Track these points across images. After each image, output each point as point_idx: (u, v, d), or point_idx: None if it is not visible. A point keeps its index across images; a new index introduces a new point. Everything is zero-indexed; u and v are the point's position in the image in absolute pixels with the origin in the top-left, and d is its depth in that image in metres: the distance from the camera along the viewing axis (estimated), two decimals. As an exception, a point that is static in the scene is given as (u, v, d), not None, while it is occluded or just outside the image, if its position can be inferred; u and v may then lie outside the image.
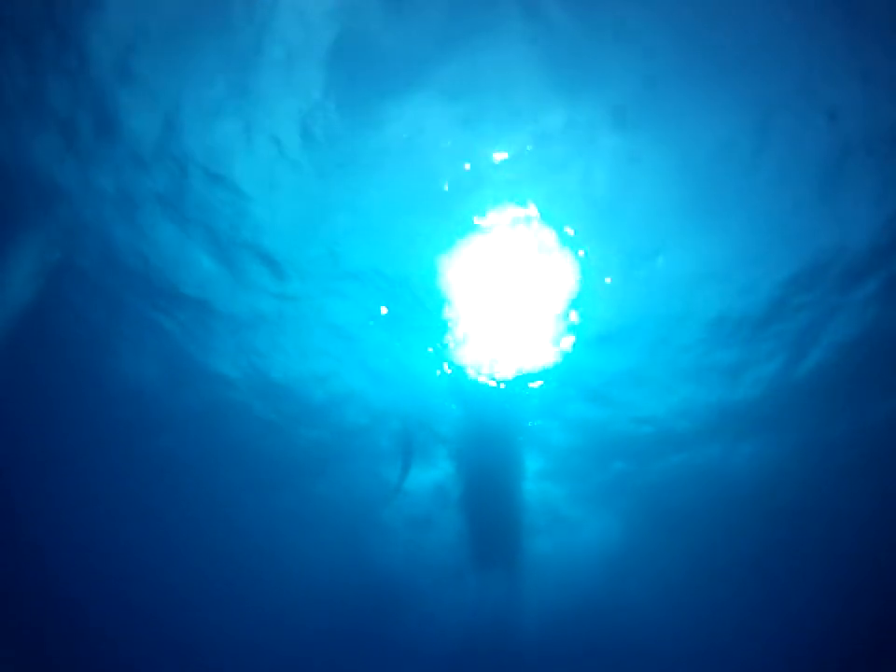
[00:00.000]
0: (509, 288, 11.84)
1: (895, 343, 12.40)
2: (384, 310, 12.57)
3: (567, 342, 12.65)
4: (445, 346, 12.95)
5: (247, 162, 10.55)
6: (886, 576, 18.52)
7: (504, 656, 22.20)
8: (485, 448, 14.50)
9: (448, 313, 12.34)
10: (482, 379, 13.38)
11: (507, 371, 13.23)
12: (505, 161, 10.03)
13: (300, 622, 22.70)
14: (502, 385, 13.39)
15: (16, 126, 10.43)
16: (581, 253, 11.09)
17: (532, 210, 10.58)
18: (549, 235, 10.91)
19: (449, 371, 13.47)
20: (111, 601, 20.88)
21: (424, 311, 12.43)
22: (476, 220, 10.77)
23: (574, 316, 12.17)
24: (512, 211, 10.63)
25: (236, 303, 12.91)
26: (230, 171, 10.64)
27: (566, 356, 12.96)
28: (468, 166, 10.14)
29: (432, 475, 16.47)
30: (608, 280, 11.47)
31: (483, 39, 9.02)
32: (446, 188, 10.40)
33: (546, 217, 10.67)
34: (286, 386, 14.83)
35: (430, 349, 13.26)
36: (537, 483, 16.69)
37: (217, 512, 18.67)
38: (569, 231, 10.78)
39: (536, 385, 13.75)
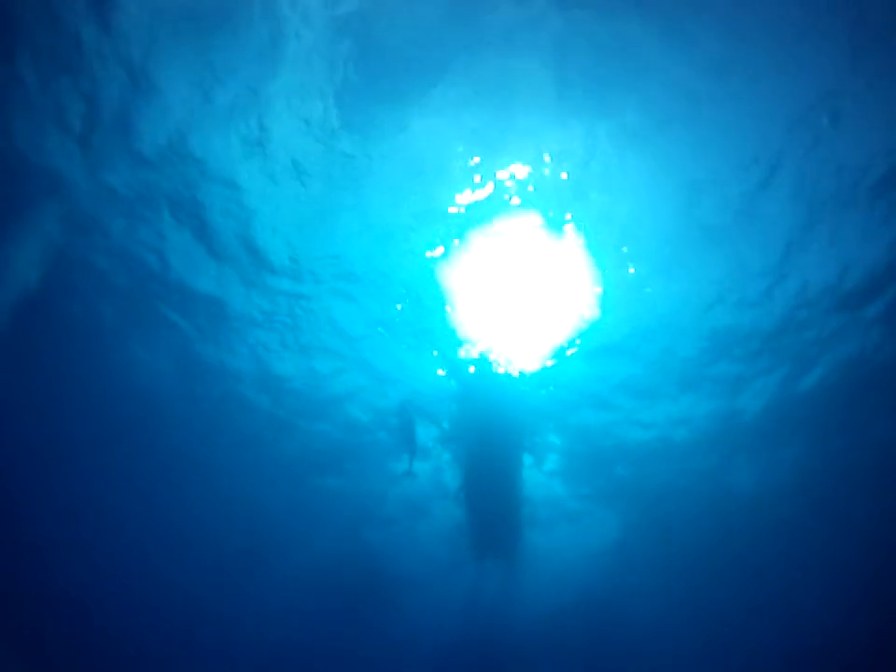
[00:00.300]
0: (515, 294, 11.85)
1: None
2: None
3: (574, 348, 12.67)
4: (450, 344, 12.94)
5: (255, 165, 10.51)
6: (885, 586, 18.64)
7: (500, 648, 22.43)
8: (486, 438, 14.49)
9: (452, 314, 12.35)
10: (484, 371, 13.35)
11: (512, 369, 13.24)
12: (515, 171, 10.00)
13: (300, 611, 22.87)
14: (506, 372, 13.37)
15: (26, 121, 10.36)
16: (592, 263, 11.08)
17: (542, 220, 10.56)
18: (557, 244, 10.90)
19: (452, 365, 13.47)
20: (117, 596, 21.07)
21: (427, 312, 12.44)
22: (485, 227, 10.75)
23: (582, 324, 12.19)
24: (521, 220, 10.60)
25: (243, 301, 12.91)
26: (236, 173, 10.61)
27: (571, 361, 12.99)
28: (478, 178, 10.11)
29: (430, 465, 16.50)
30: (618, 291, 11.51)
31: (493, 50, 8.99)
32: (455, 198, 10.39)
33: (554, 227, 10.66)
34: (291, 383, 14.86)
35: (435, 352, 13.28)
36: (540, 479, 16.76)
37: (221, 506, 18.75)
38: (579, 240, 10.76)
39: (541, 389, 13.78)
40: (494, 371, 13.21)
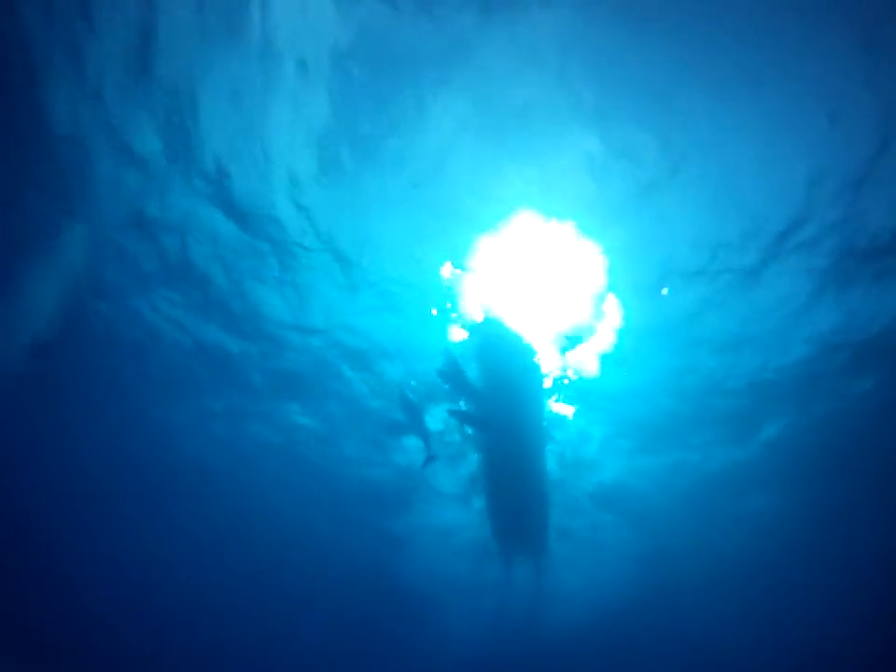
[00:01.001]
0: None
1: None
2: None
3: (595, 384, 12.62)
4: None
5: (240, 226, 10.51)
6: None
7: (528, 661, 22.69)
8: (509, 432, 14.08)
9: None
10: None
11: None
12: (520, 220, 9.81)
13: (331, 625, 23.37)
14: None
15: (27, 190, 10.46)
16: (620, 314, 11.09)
17: (571, 259, 10.34)
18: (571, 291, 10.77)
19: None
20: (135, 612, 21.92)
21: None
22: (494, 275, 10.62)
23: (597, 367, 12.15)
24: (536, 264, 10.42)
25: (269, 358, 13.42)
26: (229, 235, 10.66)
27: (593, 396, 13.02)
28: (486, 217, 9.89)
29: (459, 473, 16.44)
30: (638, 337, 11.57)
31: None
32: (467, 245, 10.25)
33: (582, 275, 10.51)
34: (314, 431, 15.53)
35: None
36: (568, 494, 16.83)
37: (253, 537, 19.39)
38: (598, 289, 10.67)
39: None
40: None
